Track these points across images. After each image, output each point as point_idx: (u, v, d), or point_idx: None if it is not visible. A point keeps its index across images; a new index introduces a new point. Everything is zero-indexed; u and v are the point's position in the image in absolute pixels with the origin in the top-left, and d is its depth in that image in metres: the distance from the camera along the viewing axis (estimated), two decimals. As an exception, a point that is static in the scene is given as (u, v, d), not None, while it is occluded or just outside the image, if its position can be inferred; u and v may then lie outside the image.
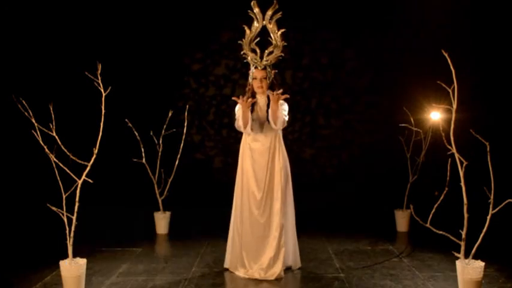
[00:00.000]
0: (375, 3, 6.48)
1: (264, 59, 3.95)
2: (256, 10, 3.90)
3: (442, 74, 3.39)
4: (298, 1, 6.33)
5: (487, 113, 5.92)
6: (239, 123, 3.96)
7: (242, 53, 4.00)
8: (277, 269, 3.92)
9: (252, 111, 3.99)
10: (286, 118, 3.98)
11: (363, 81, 6.77)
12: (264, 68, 3.94)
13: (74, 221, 3.51)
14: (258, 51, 3.96)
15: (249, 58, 3.98)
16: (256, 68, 3.95)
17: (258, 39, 3.98)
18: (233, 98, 3.90)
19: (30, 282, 3.83)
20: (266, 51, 3.96)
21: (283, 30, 3.93)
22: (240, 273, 3.99)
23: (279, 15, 3.89)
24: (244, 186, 3.99)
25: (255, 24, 3.93)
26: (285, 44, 3.96)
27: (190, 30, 6.68)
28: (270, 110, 3.87)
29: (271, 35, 3.94)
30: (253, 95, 4.01)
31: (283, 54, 3.98)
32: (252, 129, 3.93)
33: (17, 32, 5.60)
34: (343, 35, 6.66)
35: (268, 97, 3.94)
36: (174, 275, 4.00)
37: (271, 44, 3.96)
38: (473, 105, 5.16)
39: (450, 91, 3.34)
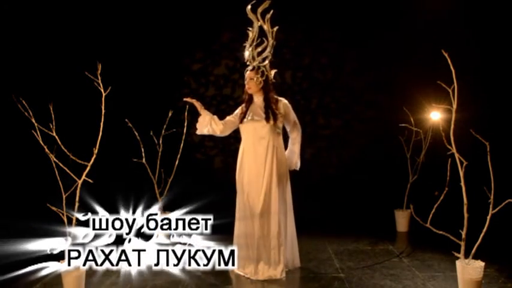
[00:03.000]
0: (374, 3, 6.48)
1: (256, 59, 4.01)
2: (251, 15, 3.93)
3: (442, 74, 3.39)
4: (298, 1, 6.33)
5: (487, 113, 5.91)
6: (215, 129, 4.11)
7: (246, 60, 4.06)
8: (279, 269, 3.93)
9: (249, 112, 4.04)
10: (299, 137, 4.21)
11: (363, 81, 6.76)
12: (253, 69, 3.98)
13: (73, 221, 3.51)
14: (252, 53, 4.01)
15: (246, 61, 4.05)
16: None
17: (259, 40, 4.01)
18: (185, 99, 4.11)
19: (30, 282, 3.83)
20: (256, 51, 4.00)
21: (276, 27, 3.96)
22: (244, 273, 4.00)
23: (270, 13, 3.92)
24: (244, 187, 4.00)
25: (254, 26, 3.96)
26: (274, 42, 3.99)
27: (191, 30, 6.67)
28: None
29: (267, 34, 3.97)
30: (251, 96, 4.06)
31: (270, 53, 4.00)
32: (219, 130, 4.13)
33: (17, 31, 5.60)
34: (343, 35, 6.66)
35: (263, 98, 3.99)
36: (174, 275, 4.00)
37: (262, 43, 4.00)
38: (473, 105, 5.15)
39: (450, 91, 3.34)
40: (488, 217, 3.30)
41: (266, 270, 3.93)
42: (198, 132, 4.19)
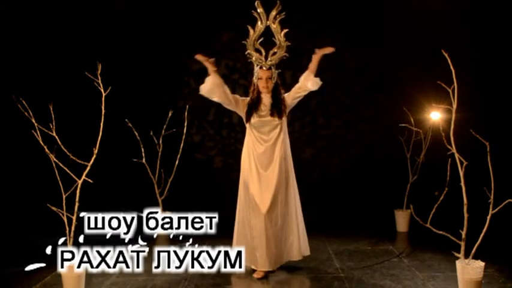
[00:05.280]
0: (374, 4, 6.48)
1: (269, 59, 3.98)
2: (260, 10, 3.91)
3: (442, 74, 3.39)
4: (298, 1, 6.33)
5: (487, 113, 5.92)
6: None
7: (246, 53, 4.02)
8: (299, 252, 4.06)
9: (257, 110, 4.02)
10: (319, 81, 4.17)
11: (363, 81, 6.77)
12: (269, 68, 3.98)
13: (74, 221, 3.51)
14: (263, 51, 3.99)
15: (253, 58, 4.00)
16: (261, 68, 3.98)
17: (262, 39, 4.00)
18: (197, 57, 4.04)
19: (30, 282, 3.84)
20: (270, 51, 3.98)
21: (286, 30, 3.95)
22: (261, 268, 3.98)
23: (282, 15, 3.91)
24: (250, 184, 4.00)
25: (259, 24, 3.94)
26: (289, 44, 3.98)
27: (191, 29, 6.67)
28: (307, 72, 4.11)
29: (275, 35, 3.96)
30: (258, 95, 4.04)
31: (287, 55, 4.01)
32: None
33: (17, 32, 5.60)
34: (343, 35, 6.66)
35: (272, 96, 3.99)
36: (174, 275, 4.00)
37: (274, 44, 3.98)
38: (473, 105, 5.15)
39: (450, 91, 3.34)
40: (488, 217, 3.29)
41: (286, 256, 4.05)
42: (203, 91, 4.02)
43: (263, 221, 3.90)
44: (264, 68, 3.98)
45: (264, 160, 4.00)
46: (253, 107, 4.03)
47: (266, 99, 4.04)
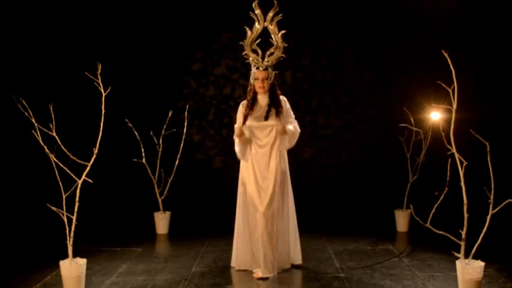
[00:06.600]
0: (375, 3, 6.48)
1: (265, 59, 3.98)
2: (258, 11, 3.91)
3: (442, 74, 3.39)
4: (298, 1, 6.33)
5: (487, 113, 5.91)
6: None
7: (244, 54, 4.02)
8: (289, 260, 4.06)
9: (253, 110, 4.02)
10: (298, 129, 4.09)
11: (363, 81, 6.77)
12: (266, 69, 3.98)
13: (74, 221, 3.51)
14: (259, 52, 3.99)
15: (250, 59, 4.00)
16: (257, 68, 3.98)
17: (259, 40, 4.00)
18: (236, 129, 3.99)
19: (30, 282, 3.84)
20: (267, 52, 3.98)
21: (283, 31, 3.95)
22: (258, 272, 3.96)
23: (279, 17, 3.91)
24: (248, 185, 4.00)
25: (256, 25, 3.95)
26: (286, 45, 3.98)
27: (191, 30, 6.68)
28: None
29: (272, 36, 3.96)
30: (255, 95, 4.04)
31: (284, 56, 4.01)
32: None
33: (17, 32, 5.60)
34: (343, 35, 6.66)
35: (269, 96, 4.00)
36: (174, 275, 4.01)
37: (272, 45, 3.98)
38: (473, 105, 5.15)
39: (450, 91, 3.35)
40: (488, 217, 3.30)
41: (278, 263, 4.01)
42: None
43: (262, 223, 3.89)
44: (260, 68, 3.98)
45: (262, 161, 3.99)
46: (249, 107, 4.03)
47: (263, 100, 4.04)
